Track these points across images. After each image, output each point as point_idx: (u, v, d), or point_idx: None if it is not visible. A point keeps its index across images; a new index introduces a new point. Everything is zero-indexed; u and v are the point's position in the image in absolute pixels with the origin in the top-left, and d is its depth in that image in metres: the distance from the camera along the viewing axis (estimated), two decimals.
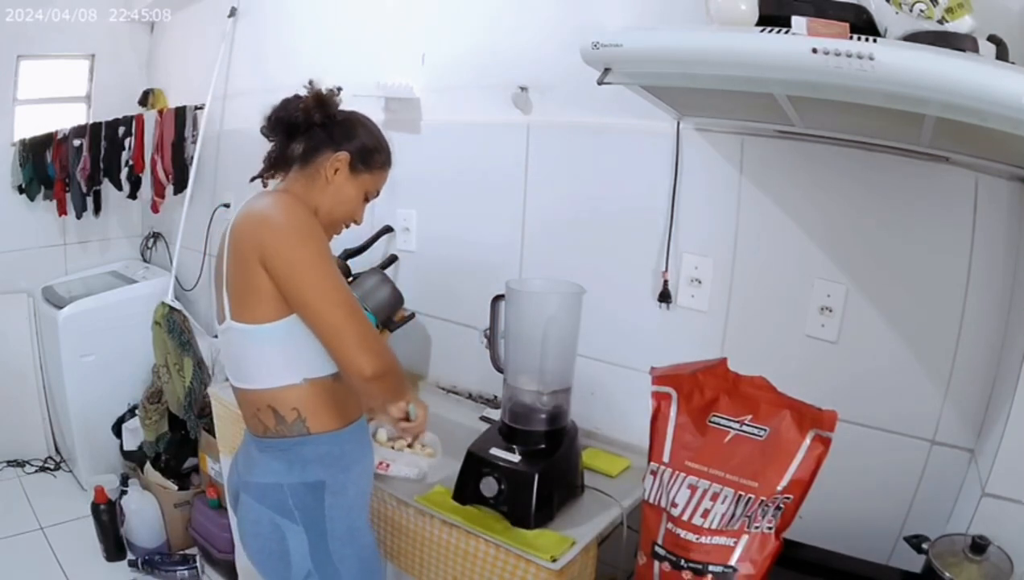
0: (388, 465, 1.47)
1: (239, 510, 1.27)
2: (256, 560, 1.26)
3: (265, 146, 1.29)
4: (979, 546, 1.01)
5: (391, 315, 1.89)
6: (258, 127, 1.28)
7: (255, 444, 1.24)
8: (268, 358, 1.17)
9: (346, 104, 1.30)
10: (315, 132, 1.23)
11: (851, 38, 0.85)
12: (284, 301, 1.13)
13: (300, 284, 1.11)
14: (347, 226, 1.31)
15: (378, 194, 1.33)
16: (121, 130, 2.85)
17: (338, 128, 1.25)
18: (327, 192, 1.24)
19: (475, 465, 1.36)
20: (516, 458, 1.34)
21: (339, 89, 1.26)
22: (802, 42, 0.87)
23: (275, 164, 1.27)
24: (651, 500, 1.17)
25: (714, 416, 1.16)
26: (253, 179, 1.30)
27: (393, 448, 1.55)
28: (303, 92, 1.24)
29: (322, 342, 1.13)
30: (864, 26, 0.96)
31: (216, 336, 2.70)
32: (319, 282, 1.11)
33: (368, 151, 1.26)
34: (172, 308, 2.48)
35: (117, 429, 2.76)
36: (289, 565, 1.19)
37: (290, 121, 1.23)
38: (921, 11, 0.94)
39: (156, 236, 3.23)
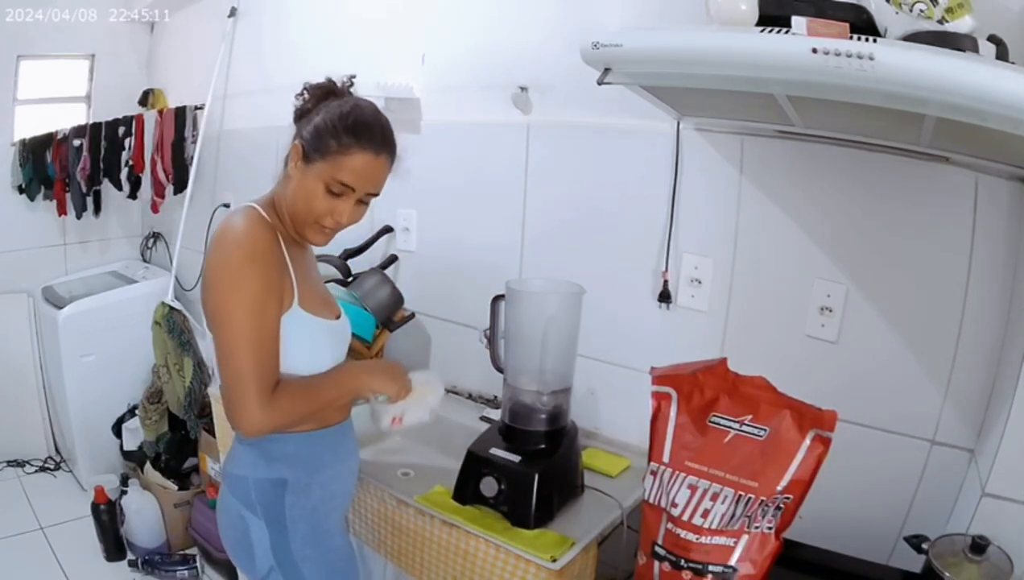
0: (400, 419, 1.34)
1: (218, 498, 1.31)
2: (228, 549, 1.28)
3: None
4: (979, 546, 1.01)
5: (391, 315, 1.89)
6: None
7: (237, 436, 1.25)
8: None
9: None
10: (297, 122, 1.19)
11: (851, 38, 0.85)
12: None
13: (215, 327, 1.11)
14: (327, 226, 1.16)
15: (344, 186, 1.12)
16: (121, 130, 2.85)
17: (304, 117, 1.16)
18: (288, 188, 1.16)
19: (475, 465, 1.36)
20: (516, 458, 1.34)
21: (352, 78, 1.20)
22: (802, 42, 0.87)
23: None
24: (651, 500, 1.17)
25: (714, 416, 1.16)
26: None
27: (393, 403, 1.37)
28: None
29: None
30: (864, 26, 0.96)
31: None
32: (225, 333, 1.10)
33: (319, 136, 1.11)
34: (172, 308, 2.48)
35: (117, 429, 2.76)
36: (253, 557, 1.21)
37: (297, 111, 1.19)
38: (921, 11, 0.94)
39: (156, 236, 3.23)
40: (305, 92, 1.19)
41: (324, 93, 1.18)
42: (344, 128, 1.11)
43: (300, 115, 1.18)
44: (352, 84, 1.21)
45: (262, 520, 1.20)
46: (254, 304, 1.08)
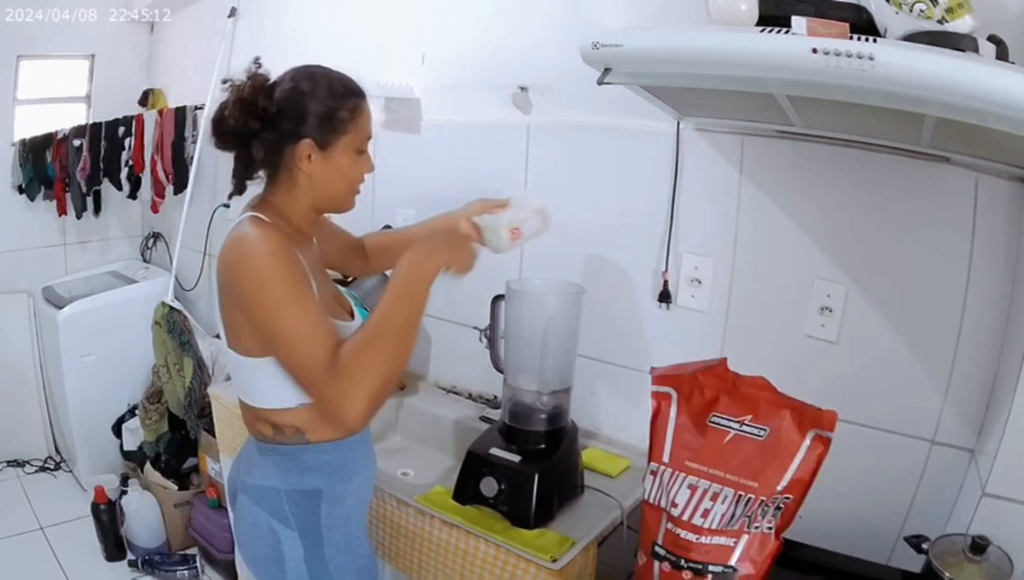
0: (519, 230, 1.25)
1: (236, 510, 1.25)
2: (252, 564, 1.24)
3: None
4: (979, 546, 1.01)
5: None
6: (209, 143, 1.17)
7: (256, 446, 1.22)
8: (263, 385, 1.14)
9: None
10: (263, 135, 1.11)
11: (851, 38, 0.85)
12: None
13: (270, 334, 1.05)
14: (360, 188, 1.20)
15: (370, 137, 1.17)
16: (121, 130, 2.85)
17: (282, 119, 1.10)
18: (314, 184, 1.14)
19: (475, 465, 1.36)
20: (516, 458, 1.34)
21: (257, 63, 1.14)
22: (802, 42, 0.87)
23: (244, 176, 1.19)
24: (651, 500, 1.17)
25: (714, 416, 1.16)
26: (230, 196, 1.23)
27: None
28: (225, 95, 1.12)
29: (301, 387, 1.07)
30: (864, 26, 0.96)
31: (218, 336, 2.73)
32: (282, 342, 1.03)
33: (327, 119, 1.10)
34: (172, 308, 2.48)
35: (117, 429, 2.76)
36: (284, 571, 1.16)
37: (233, 134, 1.12)
38: (921, 11, 0.94)
39: (156, 236, 3.23)
40: (230, 111, 1.10)
41: (263, 87, 1.12)
42: (340, 95, 1.12)
43: (248, 133, 1.11)
44: (260, 65, 1.16)
45: (296, 532, 1.15)
46: (293, 295, 1.03)
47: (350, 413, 1.00)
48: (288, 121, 1.10)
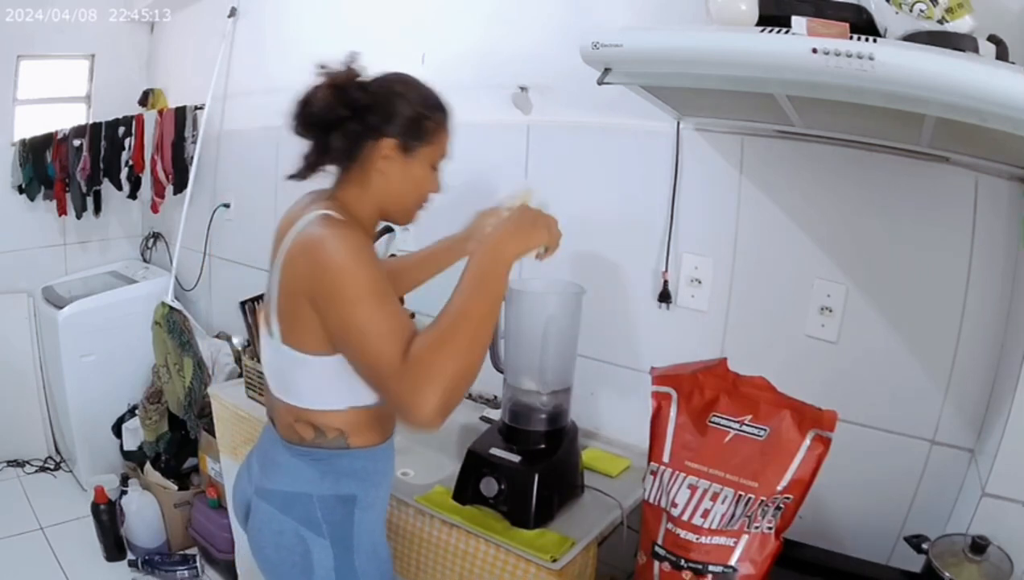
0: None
1: (255, 518, 1.18)
2: (274, 574, 1.19)
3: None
4: (979, 546, 1.01)
5: None
6: (286, 126, 1.13)
7: (286, 450, 1.15)
8: (316, 385, 1.10)
9: None
10: (347, 125, 1.08)
11: (851, 38, 0.85)
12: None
13: (344, 328, 1.00)
14: (426, 204, 1.19)
15: (446, 156, 1.17)
16: (121, 130, 2.85)
17: (371, 113, 1.08)
18: (387, 186, 1.12)
19: (475, 465, 1.36)
20: (516, 458, 1.34)
21: (355, 57, 1.11)
22: (802, 42, 0.87)
23: (315, 162, 1.14)
24: (651, 500, 1.17)
25: (714, 416, 1.16)
26: (290, 177, 1.16)
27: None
28: (320, 79, 1.08)
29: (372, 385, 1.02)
30: (864, 26, 0.96)
31: (219, 336, 2.73)
32: (363, 325, 0.98)
33: (415, 123, 1.10)
34: (172, 308, 2.48)
35: (117, 429, 2.76)
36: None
37: (317, 119, 1.09)
38: (921, 11, 0.94)
39: (156, 236, 3.23)
40: (323, 95, 1.08)
41: (357, 78, 1.10)
42: (432, 106, 1.13)
43: (334, 120, 1.08)
44: (356, 59, 1.13)
45: (327, 539, 1.12)
46: (375, 291, 0.98)
47: (424, 408, 0.91)
48: (376, 116, 1.09)
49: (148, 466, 2.56)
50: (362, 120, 1.08)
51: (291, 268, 1.06)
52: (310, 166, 1.14)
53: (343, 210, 1.11)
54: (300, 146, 1.14)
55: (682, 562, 1.11)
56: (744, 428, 1.13)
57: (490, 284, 1.01)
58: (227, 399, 1.87)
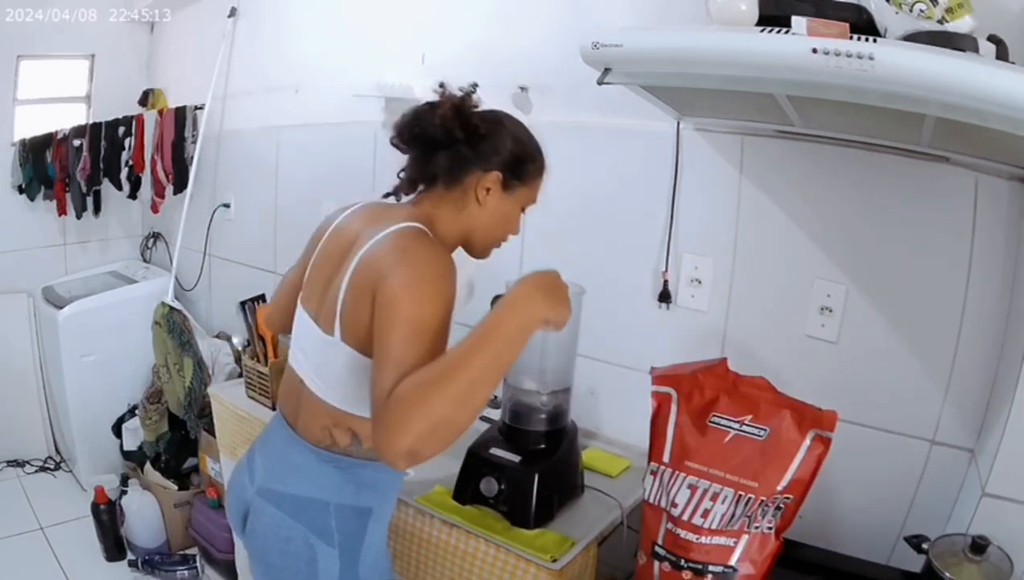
0: None
1: (259, 521, 1.15)
2: (274, 578, 1.16)
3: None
4: (979, 546, 1.01)
5: None
6: (389, 137, 1.17)
7: (312, 453, 1.12)
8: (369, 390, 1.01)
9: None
10: (459, 148, 1.10)
11: (851, 38, 0.86)
12: None
13: (378, 339, 0.96)
14: (504, 243, 1.21)
15: (535, 201, 1.20)
16: (121, 130, 2.85)
17: (484, 142, 1.11)
18: (480, 216, 1.14)
19: (475, 465, 1.36)
20: (516, 458, 1.34)
21: (475, 86, 1.15)
22: (802, 42, 0.87)
23: (417, 179, 1.15)
24: (651, 500, 1.17)
25: (714, 416, 1.16)
26: (387, 195, 1.18)
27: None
28: (435, 97, 1.11)
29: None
30: (864, 26, 0.96)
31: (219, 336, 2.73)
32: (391, 347, 0.94)
33: (520, 162, 1.14)
34: (172, 308, 2.48)
35: (117, 429, 2.76)
36: None
37: (429, 136, 1.10)
38: (921, 11, 0.94)
39: (156, 236, 3.23)
40: (443, 112, 1.10)
41: (458, 112, 1.11)
42: (537, 150, 1.17)
43: (446, 140, 1.10)
44: (474, 91, 1.16)
45: (336, 549, 1.10)
46: (428, 330, 0.94)
47: (392, 447, 0.86)
48: (488, 146, 1.11)
49: (148, 466, 2.56)
50: (474, 147, 1.11)
51: (370, 266, 1.03)
52: (411, 183, 1.16)
53: (430, 228, 1.10)
54: (399, 161, 1.16)
55: (682, 562, 1.11)
56: (744, 428, 1.13)
57: (506, 341, 0.91)
58: (227, 399, 1.87)
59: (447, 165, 1.11)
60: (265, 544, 1.14)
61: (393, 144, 1.16)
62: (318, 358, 1.13)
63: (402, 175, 1.17)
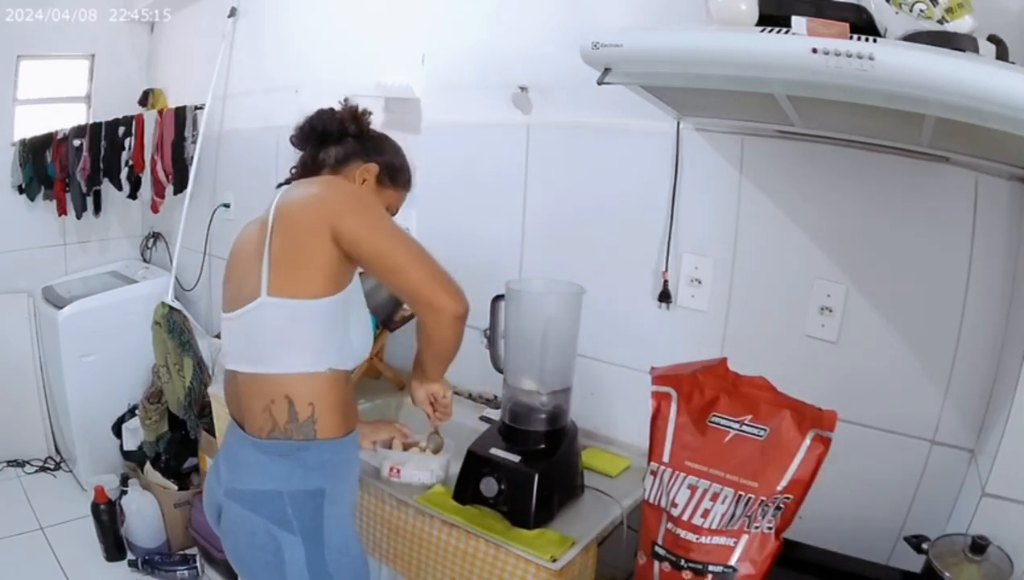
0: (399, 470, 1.43)
1: (227, 519, 1.21)
2: (248, 573, 1.22)
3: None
4: (979, 546, 1.01)
5: (391, 315, 1.89)
6: (289, 136, 1.35)
7: (253, 445, 1.17)
8: (302, 338, 1.15)
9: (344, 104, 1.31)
10: (348, 141, 1.31)
11: (851, 38, 0.86)
12: (337, 278, 1.15)
13: (384, 248, 1.16)
14: None
15: (396, 213, 1.38)
16: (121, 130, 2.85)
17: (370, 141, 1.34)
18: None
19: (475, 465, 1.36)
20: (516, 458, 1.34)
21: (370, 113, 1.36)
22: (802, 42, 0.87)
23: (306, 170, 1.32)
24: (651, 500, 1.18)
25: (714, 416, 1.16)
26: (281, 185, 1.29)
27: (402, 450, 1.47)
28: (337, 106, 1.32)
29: (409, 297, 1.19)
30: (864, 26, 0.96)
31: (218, 336, 2.73)
32: (401, 243, 1.17)
33: (396, 168, 1.35)
34: (172, 308, 2.48)
35: (117, 429, 2.76)
36: (285, 577, 1.15)
37: (324, 130, 1.31)
38: (921, 11, 0.94)
39: (156, 236, 3.23)
40: (342, 112, 1.33)
41: (354, 116, 1.33)
42: (408, 166, 1.39)
43: (339, 132, 1.31)
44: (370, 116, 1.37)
45: (298, 536, 1.14)
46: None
47: (460, 303, 1.17)
48: (372, 145, 1.34)
49: (148, 466, 2.57)
50: (361, 142, 1.33)
51: (303, 211, 1.16)
52: (302, 173, 1.33)
53: None
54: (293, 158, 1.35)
55: (682, 562, 1.11)
56: (744, 428, 1.13)
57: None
58: None
59: (336, 154, 1.32)
60: (236, 541, 1.20)
61: (291, 142, 1.35)
62: (243, 338, 1.20)
63: (294, 170, 1.35)
